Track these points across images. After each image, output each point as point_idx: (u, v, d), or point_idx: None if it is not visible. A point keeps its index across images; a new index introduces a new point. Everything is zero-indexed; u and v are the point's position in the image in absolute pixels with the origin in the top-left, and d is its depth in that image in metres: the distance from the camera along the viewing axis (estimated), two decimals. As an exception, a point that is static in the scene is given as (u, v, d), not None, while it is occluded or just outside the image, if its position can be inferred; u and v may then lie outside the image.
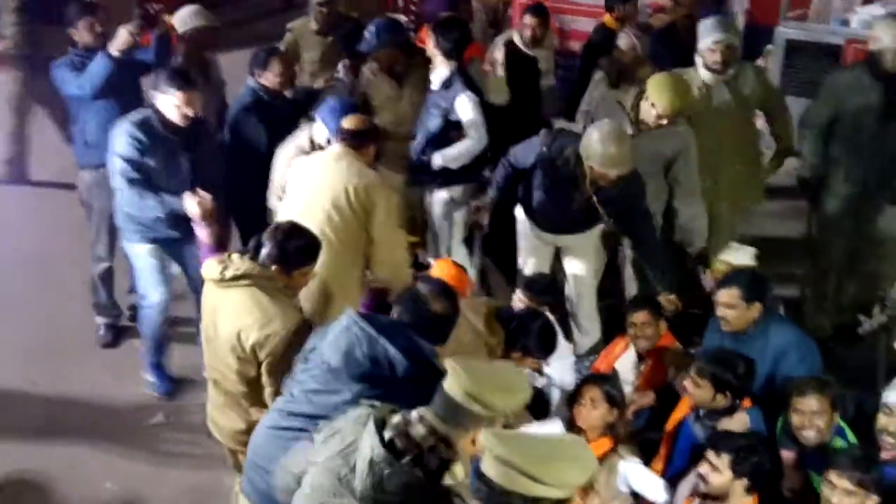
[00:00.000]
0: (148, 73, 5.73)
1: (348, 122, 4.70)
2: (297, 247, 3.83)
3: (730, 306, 4.36)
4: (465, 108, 5.47)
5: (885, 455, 3.77)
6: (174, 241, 5.05)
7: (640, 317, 4.77)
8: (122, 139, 4.83)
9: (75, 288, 6.02)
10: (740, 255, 4.92)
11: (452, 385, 2.67)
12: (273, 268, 3.77)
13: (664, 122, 5.10)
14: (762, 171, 5.94)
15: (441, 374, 2.76)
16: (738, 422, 3.97)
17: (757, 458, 3.61)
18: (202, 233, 4.41)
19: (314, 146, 5.03)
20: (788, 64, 7.19)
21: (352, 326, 3.31)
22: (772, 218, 6.63)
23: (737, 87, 5.58)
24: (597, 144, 4.69)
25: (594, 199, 4.90)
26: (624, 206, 4.99)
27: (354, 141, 4.63)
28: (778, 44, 7.77)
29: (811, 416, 3.87)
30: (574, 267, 5.44)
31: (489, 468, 2.23)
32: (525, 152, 5.10)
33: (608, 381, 4.22)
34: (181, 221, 4.74)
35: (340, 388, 3.24)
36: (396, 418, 2.68)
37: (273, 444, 3.32)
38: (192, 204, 4.51)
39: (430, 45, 5.62)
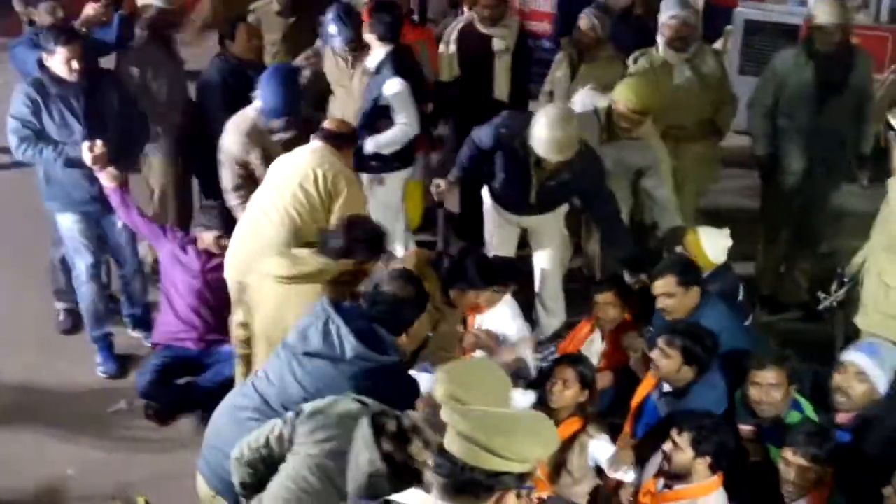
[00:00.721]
0: (107, 53, 5.79)
1: (331, 123, 4.73)
2: (365, 240, 4.05)
3: (668, 294, 4.41)
4: (392, 92, 5.43)
5: (840, 419, 3.86)
6: (93, 211, 5.22)
7: (603, 297, 4.80)
8: (16, 100, 5.01)
9: (38, 273, 5.95)
10: (711, 240, 4.91)
11: (442, 395, 2.60)
12: (340, 261, 3.91)
13: (632, 124, 5.12)
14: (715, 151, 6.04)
15: (394, 364, 2.80)
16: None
17: (719, 436, 3.65)
18: (101, 176, 4.88)
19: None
20: (747, 44, 7.26)
21: (317, 307, 3.36)
22: (727, 194, 6.70)
23: (697, 66, 5.64)
24: (540, 130, 4.71)
25: (550, 182, 4.92)
26: (582, 188, 5.01)
27: (336, 141, 4.62)
28: (737, 24, 7.85)
29: (769, 389, 3.93)
30: (539, 247, 5.47)
31: (451, 444, 2.24)
32: (485, 133, 5.10)
33: (581, 361, 4.25)
34: (98, 192, 5.05)
35: (296, 367, 3.27)
36: (391, 426, 2.69)
37: (229, 423, 3.34)
38: (86, 151, 4.82)
39: (365, 29, 5.61)
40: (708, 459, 3.63)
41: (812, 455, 3.53)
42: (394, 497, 2.33)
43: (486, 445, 2.19)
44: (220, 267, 4.82)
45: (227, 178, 5.14)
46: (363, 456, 2.66)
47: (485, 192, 5.46)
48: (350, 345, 3.24)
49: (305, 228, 4.41)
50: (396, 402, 2.94)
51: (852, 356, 3.89)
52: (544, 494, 4.05)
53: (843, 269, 4.66)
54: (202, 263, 5.09)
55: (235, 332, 4.51)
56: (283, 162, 4.59)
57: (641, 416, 4.27)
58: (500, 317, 4.78)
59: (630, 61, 5.79)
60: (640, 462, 4.04)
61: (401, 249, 5.69)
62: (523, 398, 4.56)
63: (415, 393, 3.31)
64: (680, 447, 3.65)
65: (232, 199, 5.13)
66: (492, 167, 5.20)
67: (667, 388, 4.18)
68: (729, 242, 4.82)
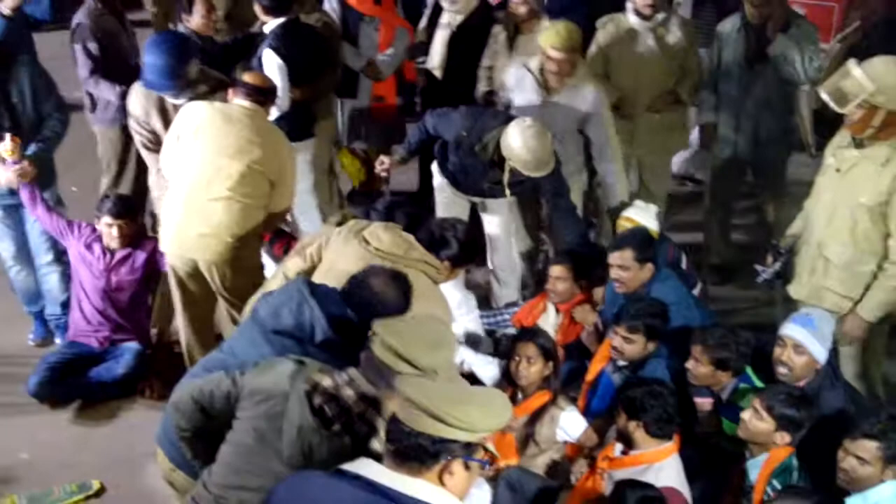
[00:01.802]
0: (39, 28, 5.68)
1: (251, 78, 4.67)
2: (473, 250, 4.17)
3: (623, 268, 4.48)
4: (267, 65, 5.39)
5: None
6: (13, 203, 5.09)
7: (555, 270, 4.85)
8: None
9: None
10: (643, 214, 5.00)
11: (379, 346, 2.69)
12: (445, 263, 3.96)
13: (563, 66, 5.13)
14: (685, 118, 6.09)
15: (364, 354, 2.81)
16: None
17: (651, 400, 3.70)
18: (9, 171, 4.72)
19: None
20: (696, 15, 7.25)
21: (291, 286, 3.34)
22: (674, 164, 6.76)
23: (663, 35, 5.68)
24: (520, 151, 4.73)
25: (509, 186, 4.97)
26: (538, 185, 5.05)
27: (258, 97, 4.58)
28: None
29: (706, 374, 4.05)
30: (489, 220, 5.49)
31: (399, 410, 2.28)
32: (445, 127, 5.12)
33: (540, 335, 4.27)
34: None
35: (262, 344, 3.25)
36: (326, 381, 2.69)
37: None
38: None
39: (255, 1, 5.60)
40: (643, 424, 3.69)
41: (779, 414, 3.61)
42: (346, 466, 2.35)
43: (432, 412, 2.22)
44: (125, 264, 4.85)
45: (136, 140, 5.14)
46: (295, 411, 2.66)
47: (434, 169, 5.46)
48: (321, 329, 3.22)
49: (254, 202, 4.43)
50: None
51: (789, 330, 3.96)
52: (507, 462, 4.13)
53: (779, 241, 4.73)
54: (106, 263, 5.01)
55: None
56: (209, 124, 4.51)
57: (596, 390, 4.34)
58: (469, 320, 4.90)
59: (598, 25, 5.83)
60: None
61: (308, 223, 5.73)
62: (486, 369, 4.64)
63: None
64: (620, 412, 3.73)
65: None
66: (445, 149, 5.22)
67: (622, 361, 4.27)
68: (659, 209, 4.88)
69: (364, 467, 2.34)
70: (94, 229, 5.07)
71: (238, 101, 4.59)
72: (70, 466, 4.57)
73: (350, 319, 3.26)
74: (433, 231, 4.02)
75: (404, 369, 2.68)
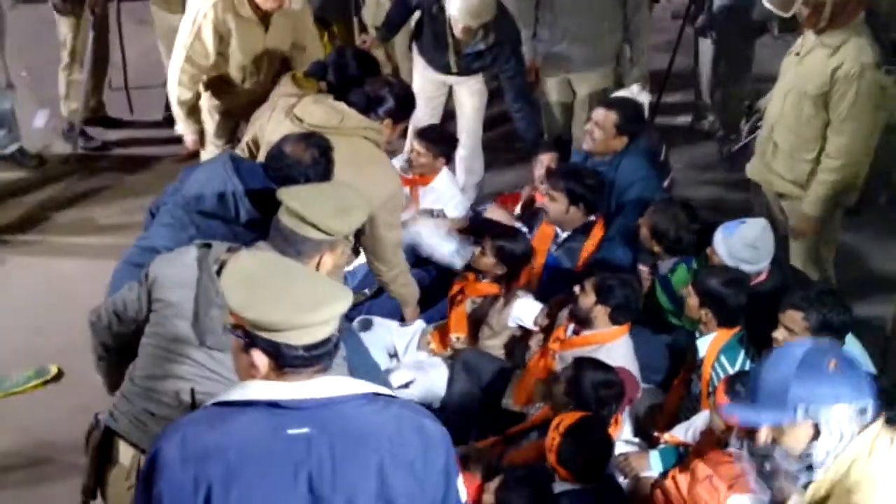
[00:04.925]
0: None
1: None
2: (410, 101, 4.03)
3: (600, 126, 4.45)
4: None
5: None
6: None
7: (546, 158, 4.86)
8: None
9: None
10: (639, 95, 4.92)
11: (284, 213, 2.66)
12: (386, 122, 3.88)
13: None
14: None
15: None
16: None
17: (623, 290, 3.76)
18: None
19: None
20: None
21: (216, 161, 3.27)
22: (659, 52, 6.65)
23: None
24: None
25: (467, 51, 4.92)
26: (497, 59, 5.00)
27: None
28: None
29: None
30: (461, 101, 5.45)
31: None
32: None
33: (507, 237, 4.26)
34: None
35: (188, 225, 3.21)
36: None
37: (123, 278, 3.26)
38: None
39: None
40: (608, 309, 3.75)
41: (703, 290, 3.68)
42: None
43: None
44: None
45: None
46: (210, 291, 2.63)
47: (414, 50, 5.40)
48: (245, 209, 3.17)
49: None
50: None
51: (717, 238, 3.94)
52: (458, 335, 4.22)
53: (753, 103, 4.70)
54: None
55: None
56: None
57: (545, 269, 4.39)
58: (439, 187, 4.93)
59: None
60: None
61: None
62: (444, 244, 4.70)
63: None
64: (586, 291, 3.76)
65: None
66: (421, 23, 5.17)
67: (561, 234, 4.33)
68: (648, 98, 4.84)
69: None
70: None
71: None
72: (27, 352, 4.56)
73: (275, 196, 3.16)
74: (367, 92, 3.85)
75: (311, 234, 2.66)
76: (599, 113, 4.48)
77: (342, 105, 3.76)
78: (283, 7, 4.45)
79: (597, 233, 4.36)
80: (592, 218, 4.39)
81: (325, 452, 1.98)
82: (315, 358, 2.04)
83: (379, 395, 2.10)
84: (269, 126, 3.81)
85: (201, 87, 4.66)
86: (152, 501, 1.99)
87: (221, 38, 4.44)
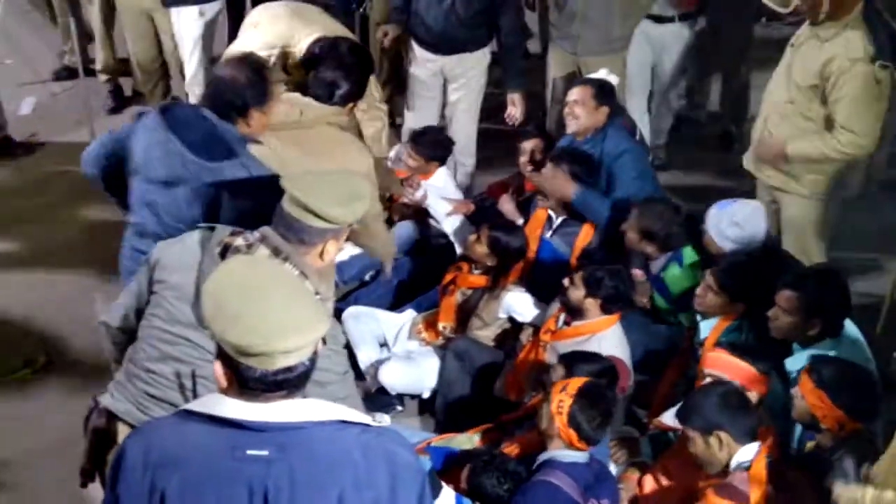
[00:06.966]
0: None
1: None
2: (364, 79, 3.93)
3: (579, 103, 4.47)
4: None
5: None
6: None
7: (529, 145, 4.82)
8: None
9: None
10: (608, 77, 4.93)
11: (287, 201, 2.64)
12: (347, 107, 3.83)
13: None
14: None
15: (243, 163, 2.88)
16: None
17: (613, 281, 3.76)
18: None
19: None
20: None
21: (149, 122, 3.16)
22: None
23: None
24: None
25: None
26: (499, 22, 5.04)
27: None
28: None
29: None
30: (456, 92, 5.39)
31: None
32: None
33: (500, 229, 4.24)
34: None
35: (158, 199, 3.16)
36: (238, 241, 2.64)
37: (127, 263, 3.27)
38: None
39: None
40: (599, 301, 3.76)
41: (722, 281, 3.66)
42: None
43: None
44: None
45: None
46: (211, 272, 2.58)
47: (412, 44, 5.33)
48: (190, 160, 3.09)
49: None
50: (267, 201, 2.76)
51: (709, 214, 3.95)
52: (446, 324, 4.21)
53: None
54: None
55: None
56: None
57: (538, 254, 4.37)
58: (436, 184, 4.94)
59: None
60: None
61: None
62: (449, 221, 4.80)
63: (274, 183, 2.86)
64: (576, 284, 3.77)
65: None
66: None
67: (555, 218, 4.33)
68: (616, 80, 4.85)
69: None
70: None
71: None
72: (15, 343, 4.52)
73: (216, 134, 3.11)
74: (324, 79, 3.77)
75: (315, 223, 2.64)
76: (575, 91, 4.52)
77: (302, 98, 3.71)
78: None
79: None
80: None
81: (284, 478, 1.93)
82: (275, 384, 1.95)
83: (351, 422, 2.02)
84: None
85: None
86: (113, 499, 2.00)
87: None
